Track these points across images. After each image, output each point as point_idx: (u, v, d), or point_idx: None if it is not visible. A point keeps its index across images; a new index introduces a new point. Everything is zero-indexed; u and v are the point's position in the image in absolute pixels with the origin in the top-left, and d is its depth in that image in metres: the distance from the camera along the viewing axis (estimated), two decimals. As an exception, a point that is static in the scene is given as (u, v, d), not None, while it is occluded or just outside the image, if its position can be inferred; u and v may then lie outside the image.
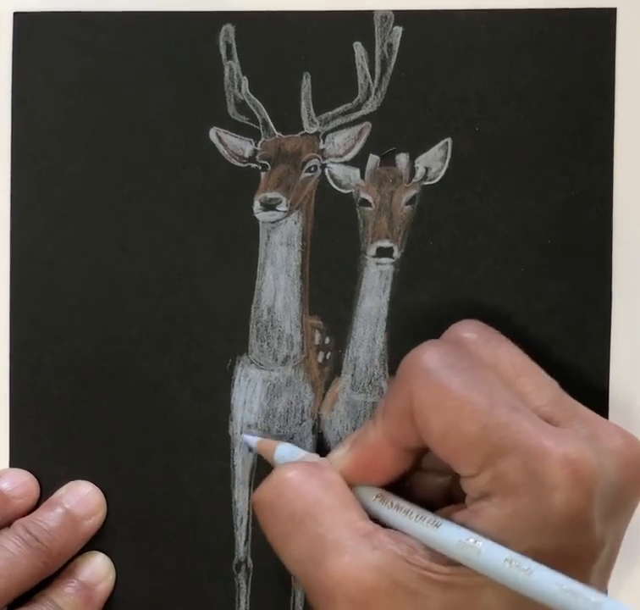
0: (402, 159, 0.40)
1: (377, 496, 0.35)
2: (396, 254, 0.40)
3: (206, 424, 0.41)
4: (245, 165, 0.41)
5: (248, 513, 0.41)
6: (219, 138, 0.41)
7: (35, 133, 0.41)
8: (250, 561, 0.41)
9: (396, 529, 0.34)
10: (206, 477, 0.41)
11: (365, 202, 0.40)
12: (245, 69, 0.40)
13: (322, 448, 0.41)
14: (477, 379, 0.33)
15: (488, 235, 0.40)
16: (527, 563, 0.31)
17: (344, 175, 0.40)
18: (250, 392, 0.41)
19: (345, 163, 0.40)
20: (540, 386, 0.35)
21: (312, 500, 0.35)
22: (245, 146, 0.40)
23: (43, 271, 0.41)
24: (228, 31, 0.40)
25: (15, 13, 0.41)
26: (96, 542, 0.41)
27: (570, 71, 0.39)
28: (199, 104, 0.40)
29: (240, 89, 0.40)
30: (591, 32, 0.39)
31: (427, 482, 0.37)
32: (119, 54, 0.41)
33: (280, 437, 0.41)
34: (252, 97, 0.40)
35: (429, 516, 0.34)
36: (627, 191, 0.39)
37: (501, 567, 0.31)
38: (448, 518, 0.34)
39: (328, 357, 0.41)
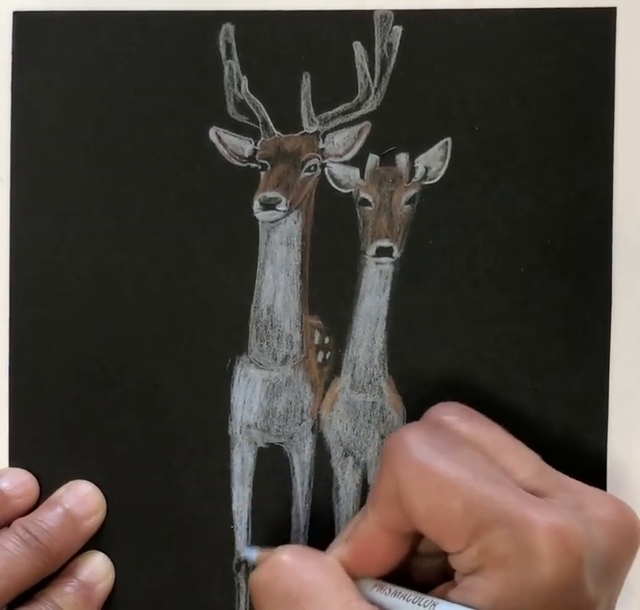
0: (402, 159, 0.40)
1: (374, 586, 0.36)
2: (396, 254, 0.40)
3: (206, 423, 0.41)
4: (245, 165, 0.41)
5: (248, 513, 0.41)
6: (219, 138, 0.41)
7: (35, 133, 0.41)
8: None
9: None
10: (205, 477, 0.41)
11: (365, 202, 0.40)
12: (245, 68, 0.40)
13: (321, 448, 0.41)
14: (458, 456, 0.34)
15: (488, 235, 0.40)
16: None
17: (343, 175, 0.40)
18: (249, 392, 0.41)
19: (345, 162, 0.40)
20: (522, 460, 0.35)
21: (308, 580, 0.35)
22: (245, 146, 0.40)
23: (43, 271, 0.41)
24: (228, 31, 0.40)
25: (15, 13, 0.41)
26: (95, 542, 0.41)
27: (570, 71, 0.39)
28: (199, 104, 0.40)
29: (239, 88, 0.40)
30: (591, 32, 0.39)
31: (423, 565, 0.37)
32: (119, 54, 0.41)
33: (280, 436, 0.41)
34: (252, 96, 0.40)
35: (425, 598, 0.34)
36: (627, 191, 0.39)
37: None
38: (443, 597, 0.34)
39: (327, 356, 0.41)
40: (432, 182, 0.40)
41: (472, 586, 0.33)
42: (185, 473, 0.41)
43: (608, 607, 0.34)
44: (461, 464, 0.33)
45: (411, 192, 0.40)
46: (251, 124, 0.40)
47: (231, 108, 0.40)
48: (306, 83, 0.40)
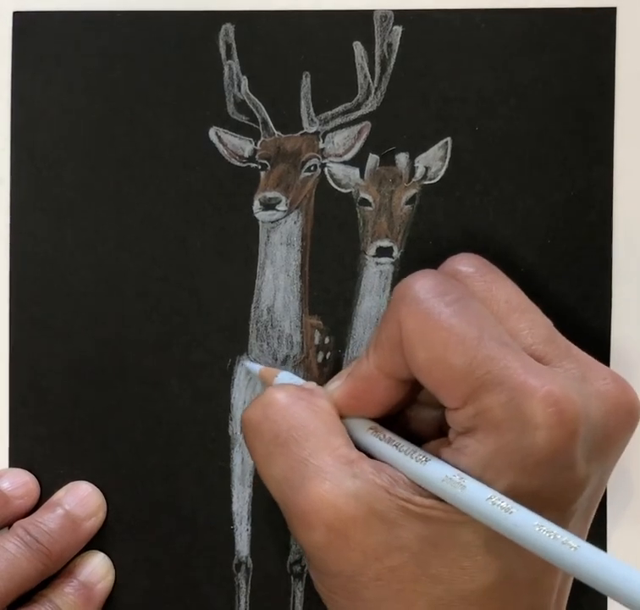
0: (402, 159, 0.40)
1: (369, 428, 0.35)
2: (396, 254, 0.40)
3: (206, 423, 0.41)
4: (245, 165, 0.40)
5: (248, 513, 0.41)
6: (219, 138, 0.41)
7: (35, 133, 0.41)
8: (250, 561, 0.41)
9: (384, 462, 0.34)
10: (205, 477, 0.41)
11: (365, 202, 0.40)
12: (245, 68, 0.40)
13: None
14: (467, 311, 0.33)
15: (488, 235, 0.40)
16: (508, 503, 0.31)
17: (343, 175, 0.40)
18: (250, 392, 0.41)
19: (345, 162, 0.40)
20: (534, 324, 0.34)
21: (298, 423, 0.34)
22: (245, 146, 0.40)
23: (43, 271, 0.41)
24: (227, 31, 0.40)
25: (15, 13, 0.41)
26: (95, 542, 0.41)
27: (570, 71, 0.39)
28: (199, 104, 0.40)
29: (239, 88, 0.40)
30: (591, 32, 0.39)
31: (421, 415, 0.36)
32: (119, 54, 0.41)
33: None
34: (252, 96, 0.40)
35: (419, 451, 0.34)
36: (627, 191, 0.39)
37: (482, 505, 0.31)
38: (435, 454, 0.33)
39: (327, 356, 0.41)
40: (432, 182, 0.40)
41: (464, 448, 0.32)
42: (185, 473, 0.41)
43: (598, 485, 0.34)
44: (469, 320, 0.32)
45: (411, 192, 0.40)
46: (251, 124, 0.40)
47: (231, 108, 0.40)
48: (306, 83, 0.40)
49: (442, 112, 0.40)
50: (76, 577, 0.40)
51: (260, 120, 0.40)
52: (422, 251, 0.40)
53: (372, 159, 0.40)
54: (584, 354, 0.35)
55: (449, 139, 0.40)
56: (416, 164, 0.40)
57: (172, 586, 0.41)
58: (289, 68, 0.40)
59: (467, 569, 0.32)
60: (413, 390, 0.35)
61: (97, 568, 0.41)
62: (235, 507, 0.41)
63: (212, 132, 0.41)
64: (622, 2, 0.39)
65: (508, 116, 0.40)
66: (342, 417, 0.36)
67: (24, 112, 0.41)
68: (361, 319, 0.40)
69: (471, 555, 0.32)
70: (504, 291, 0.35)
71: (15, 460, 0.41)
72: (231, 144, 0.40)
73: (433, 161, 0.40)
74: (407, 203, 0.40)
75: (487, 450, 0.32)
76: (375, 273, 0.40)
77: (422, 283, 0.33)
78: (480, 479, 0.32)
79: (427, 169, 0.40)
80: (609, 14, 0.39)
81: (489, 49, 0.39)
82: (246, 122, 0.40)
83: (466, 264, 0.35)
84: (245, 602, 0.41)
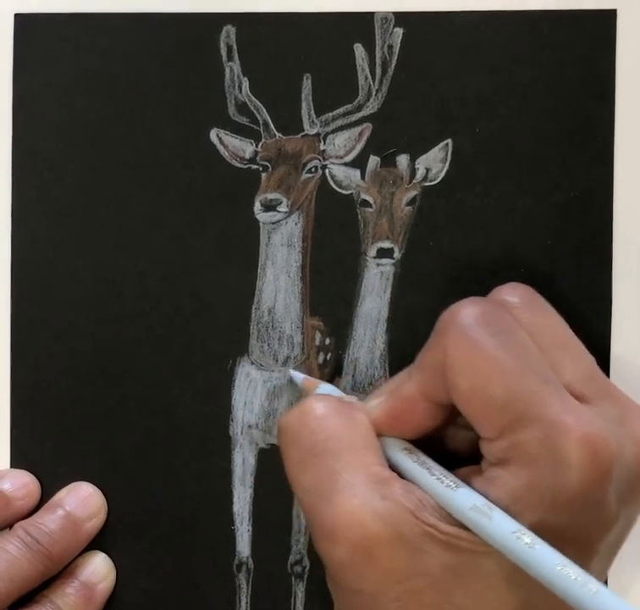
0: (403, 160, 0.40)
1: (404, 449, 0.35)
2: (397, 255, 0.40)
3: (207, 424, 0.41)
4: (246, 166, 0.41)
5: (249, 514, 0.41)
6: (220, 139, 0.41)
7: (35, 133, 0.41)
8: (250, 561, 0.41)
9: (414, 483, 0.34)
10: (206, 477, 0.41)
11: (365, 203, 0.40)
12: (246, 70, 0.40)
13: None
14: (512, 344, 0.33)
15: (488, 236, 0.40)
16: (532, 539, 0.31)
17: (344, 176, 0.40)
18: (250, 393, 0.41)
19: (346, 164, 0.40)
20: (577, 361, 0.35)
21: (335, 435, 0.34)
22: (246, 148, 0.41)
23: (43, 271, 0.41)
24: (228, 32, 0.40)
25: (16, 15, 0.41)
26: (96, 542, 0.41)
27: (570, 71, 0.40)
28: (199, 105, 0.41)
29: (240, 90, 0.40)
30: (591, 33, 0.39)
31: (457, 436, 0.36)
32: (120, 55, 0.41)
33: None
34: (253, 98, 0.40)
35: (450, 477, 0.34)
36: (627, 191, 0.40)
37: (506, 538, 0.31)
38: (465, 481, 0.33)
39: (328, 358, 0.41)
40: (432, 183, 0.40)
41: (496, 479, 0.32)
42: (186, 473, 0.41)
43: (626, 525, 0.34)
44: (514, 352, 0.33)
45: (412, 194, 0.40)
46: (252, 125, 0.40)
47: (232, 110, 0.41)
48: (306, 85, 0.40)
49: (442, 113, 0.40)
50: (77, 577, 0.40)
51: (261, 122, 0.40)
52: (423, 252, 0.40)
53: (373, 161, 0.40)
54: (623, 394, 0.35)
55: (449, 140, 0.40)
56: (416, 166, 0.40)
57: (173, 587, 0.41)
58: (290, 69, 0.40)
59: (489, 600, 0.32)
60: (452, 415, 0.35)
61: (98, 569, 0.41)
62: (236, 507, 0.41)
63: (212, 134, 0.41)
64: (623, 4, 0.39)
65: (508, 117, 0.40)
66: (378, 435, 0.36)
67: (25, 113, 0.41)
68: (361, 320, 0.41)
69: (494, 586, 0.32)
70: (550, 324, 0.35)
71: (16, 461, 0.41)
72: (232, 145, 0.41)
73: (434, 162, 0.40)
74: (408, 205, 0.40)
75: (518, 483, 0.32)
76: (376, 274, 0.40)
77: (469, 310, 0.34)
78: (507, 511, 0.32)
79: (427, 170, 0.40)
80: (610, 16, 0.39)
81: (490, 51, 0.40)
82: (247, 124, 0.41)
83: (512, 295, 0.36)
84: (246, 603, 0.41)
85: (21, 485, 0.41)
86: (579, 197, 0.39)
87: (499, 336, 0.33)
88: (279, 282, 0.41)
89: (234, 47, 0.40)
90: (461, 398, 0.33)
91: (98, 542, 0.41)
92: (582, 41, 0.39)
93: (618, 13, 0.39)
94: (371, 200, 0.40)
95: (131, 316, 0.41)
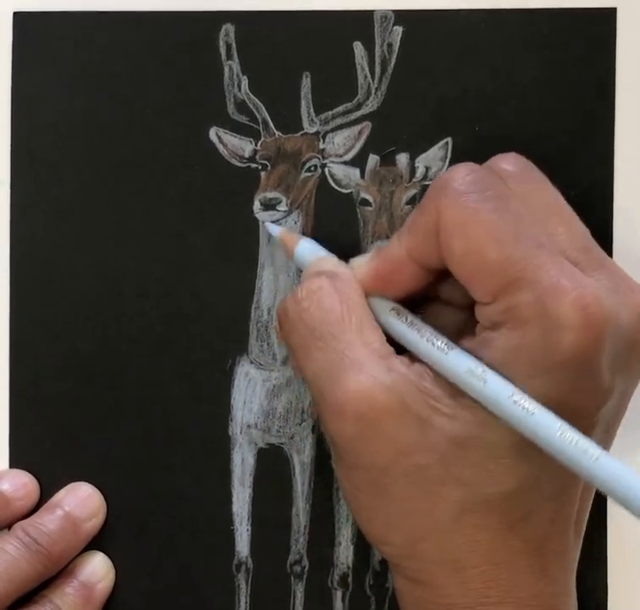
0: (402, 159, 0.40)
1: (392, 309, 0.35)
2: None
3: (206, 424, 0.41)
4: (245, 165, 0.41)
5: (248, 514, 0.41)
6: (219, 138, 0.41)
7: (34, 132, 0.41)
8: (249, 561, 0.41)
9: (403, 345, 0.34)
10: (205, 477, 0.41)
11: (365, 202, 0.40)
12: (245, 68, 0.40)
13: (321, 448, 0.41)
14: (507, 209, 0.33)
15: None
16: (531, 404, 0.31)
17: (344, 175, 0.40)
18: (250, 392, 0.41)
19: (345, 162, 0.40)
20: (572, 231, 0.34)
21: (333, 318, 0.34)
22: (245, 146, 0.40)
23: (43, 271, 0.41)
24: (228, 31, 0.40)
25: (15, 13, 0.41)
26: (95, 542, 0.41)
27: (570, 71, 0.39)
28: (199, 104, 0.40)
29: (239, 89, 0.40)
30: (591, 32, 0.39)
31: (441, 314, 0.36)
32: (119, 54, 0.41)
33: (280, 437, 0.41)
34: (252, 96, 0.40)
35: (441, 339, 0.33)
36: (627, 191, 0.40)
37: (505, 402, 0.31)
38: (458, 344, 0.33)
39: (328, 357, 0.41)
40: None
41: (489, 341, 0.32)
42: (185, 473, 0.41)
43: (621, 400, 0.34)
44: (508, 218, 0.32)
45: (412, 192, 0.40)
46: (252, 124, 0.40)
47: (231, 109, 0.40)
48: (306, 83, 0.40)
49: (442, 112, 0.40)
50: (76, 577, 0.40)
51: (260, 120, 0.40)
52: (423, 251, 0.40)
53: (373, 159, 0.40)
54: (618, 267, 0.35)
55: (449, 139, 0.40)
56: (416, 165, 0.40)
57: (172, 587, 0.41)
58: (290, 68, 0.40)
59: (492, 472, 0.33)
60: (436, 279, 0.35)
61: (97, 569, 0.40)
62: (235, 507, 0.41)
63: (212, 132, 0.41)
64: (622, 3, 0.39)
65: (508, 116, 0.40)
66: (365, 294, 0.36)
67: (24, 112, 0.41)
68: (361, 320, 0.40)
69: (497, 457, 0.32)
70: (545, 195, 0.35)
71: (15, 461, 0.41)
72: (231, 144, 0.41)
73: (434, 161, 0.40)
74: (408, 203, 0.40)
75: (510, 344, 0.32)
76: (375, 273, 0.40)
77: (463, 175, 0.33)
78: (500, 372, 0.32)
79: (427, 169, 0.40)
80: (610, 15, 0.39)
81: (489, 49, 0.39)
82: (247, 122, 0.40)
83: (510, 163, 0.35)
84: (246, 603, 0.41)
85: (20, 485, 0.40)
86: (579, 197, 0.39)
87: (493, 201, 0.33)
88: (279, 281, 0.41)
89: (234, 45, 0.40)
90: (455, 261, 0.33)
91: (97, 542, 0.41)
92: (582, 40, 0.39)
93: (618, 11, 0.39)
94: (370, 199, 0.40)
95: (131, 315, 0.41)
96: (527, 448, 0.32)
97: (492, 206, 0.33)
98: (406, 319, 0.35)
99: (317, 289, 0.35)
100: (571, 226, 0.35)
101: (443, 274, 0.35)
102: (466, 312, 0.35)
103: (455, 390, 0.33)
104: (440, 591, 0.34)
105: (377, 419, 0.33)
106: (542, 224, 0.34)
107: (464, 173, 0.33)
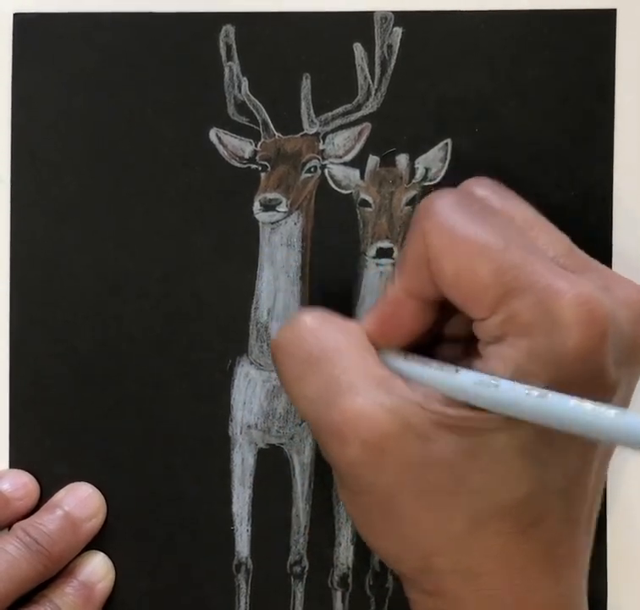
0: (402, 160, 0.40)
1: (397, 356, 0.35)
2: (396, 255, 0.40)
3: (206, 424, 0.41)
4: (245, 166, 0.41)
5: (248, 514, 0.41)
6: (219, 139, 0.41)
7: (34, 132, 0.41)
8: (250, 562, 0.41)
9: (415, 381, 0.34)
10: (205, 477, 0.41)
11: (365, 203, 0.40)
12: (245, 69, 0.40)
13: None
14: (490, 222, 0.33)
15: (487, 236, 0.40)
16: (542, 391, 0.30)
17: (343, 176, 0.40)
18: (249, 393, 0.41)
19: (345, 163, 0.40)
20: (553, 239, 0.34)
21: (330, 343, 0.34)
22: (245, 147, 0.41)
23: (43, 271, 0.41)
24: (228, 32, 0.40)
25: (15, 14, 0.41)
26: (95, 542, 0.41)
27: (570, 71, 0.39)
28: (199, 105, 0.40)
29: (239, 90, 0.40)
30: (591, 33, 0.39)
31: (449, 352, 0.36)
32: (119, 55, 0.41)
33: (280, 437, 0.41)
34: (252, 97, 0.40)
35: (450, 365, 0.33)
36: (627, 191, 0.40)
37: (519, 398, 0.31)
38: (466, 366, 0.33)
39: (327, 357, 0.41)
40: (432, 183, 0.40)
41: (495, 354, 0.32)
42: (185, 473, 0.41)
43: (625, 395, 0.34)
44: (493, 231, 0.33)
45: (412, 193, 0.40)
46: (252, 125, 0.40)
47: (231, 110, 0.40)
48: (306, 84, 0.40)
49: (442, 113, 0.40)
50: (76, 577, 0.40)
51: (260, 121, 0.40)
52: (422, 251, 0.40)
53: (373, 160, 0.40)
54: (605, 267, 0.35)
55: (449, 140, 0.40)
56: (416, 165, 0.40)
57: (172, 587, 0.41)
58: (290, 69, 0.40)
59: (503, 477, 0.32)
60: (440, 318, 0.35)
61: (97, 568, 0.41)
62: (235, 507, 0.41)
63: (212, 133, 0.41)
64: (622, 4, 0.39)
65: (508, 117, 0.40)
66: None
67: (24, 112, 0.41)
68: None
69: (506, 461, 0.32)
70: (521, 210, 0.35)
71: (15, 461, 0.41)
72: (231, 145, 0.41)
73: (434, 162, 0.40)
74: (407, 204, 0.40)
75: (518, 354, 0.32)
76: (375, 274, 0.40)
77: (444, 200, 0.33)
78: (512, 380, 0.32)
79: (427, 170, 0.40)
80: (609, 15, 0.39)
81: (489, 50, 0.40)
82: (246, 123, 0.40)
83: (481, 186, 0.35)
84: (246, 603, 0.41)
85: (20, 485, 0.40)
86: (579, 197, 0.39)
87: (476, 216, 0.33)
88: (279, 282, 0.41)
89: (234, 46, 0.40)
90: (449, 284, 0.33)
91: (97, 542, 0.41)
92: (582, 41, 0.39)
93: (618, 12, 0.39)
94: (370, 199, 0.40)
95: (131, 316, 0.41)
96: (535, 449, 0.32)
97: (476, 221, 0.33)
98: (414, 359, 0.35)
99: (312, 318, 0.35)
100: (552, 233, 0.35)
101: (445, 313, 0.35)
102: (471, 344, 0.35)
103: (458, 403, 0.32)
104: (454, 600, 0.34)
105: (380, 442, 0.32)
106: (526, 234, 0.34)
107: (444, 195, 0.34)
